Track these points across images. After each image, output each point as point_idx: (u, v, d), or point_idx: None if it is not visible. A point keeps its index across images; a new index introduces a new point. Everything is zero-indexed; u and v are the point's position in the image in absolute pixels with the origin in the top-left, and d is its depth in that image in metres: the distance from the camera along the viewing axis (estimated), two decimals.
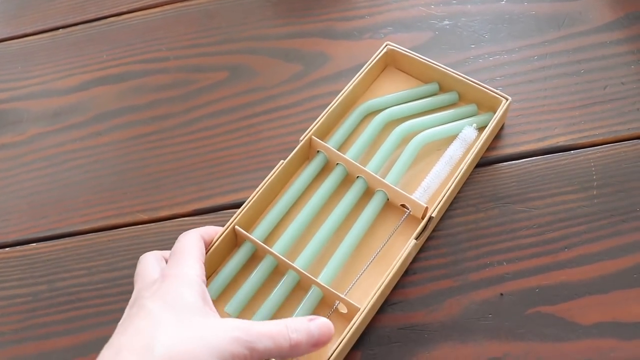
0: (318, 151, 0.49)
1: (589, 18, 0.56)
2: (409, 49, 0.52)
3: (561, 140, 0.50)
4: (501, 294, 0.44)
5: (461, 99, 0.52)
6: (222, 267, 0.45)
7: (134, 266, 0.48)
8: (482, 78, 0.53)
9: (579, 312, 0.43)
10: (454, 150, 0.48)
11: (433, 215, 0.44)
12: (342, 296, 0.42)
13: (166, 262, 0.41)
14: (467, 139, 0.48)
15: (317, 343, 0.37)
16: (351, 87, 0.50)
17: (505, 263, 0.45)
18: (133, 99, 0.58)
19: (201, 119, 0.55)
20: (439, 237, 0.47)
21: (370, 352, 0.43)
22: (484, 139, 0.47)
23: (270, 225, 0.47)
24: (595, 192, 0.47)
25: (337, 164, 0.48)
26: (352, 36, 0.58)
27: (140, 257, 0.41)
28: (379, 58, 0.52)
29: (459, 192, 0.48)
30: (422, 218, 0.45)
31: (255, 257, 0.46)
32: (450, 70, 0.51)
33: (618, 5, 0.56)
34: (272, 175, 0.46)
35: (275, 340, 0.35)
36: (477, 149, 0.47)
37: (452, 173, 0.47)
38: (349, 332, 0.40)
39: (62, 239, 0.51)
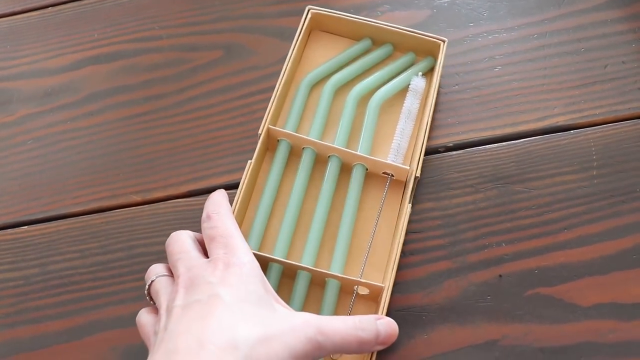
0: (279, 140, 0.47)
1: None
2: (406, 26, 0.51)
3: (561, 120, 0.49)
4: (500, 276, 0.44)
5: (397, 49, 0.52)
6: None
7: (128, 248, 0.48)
8: (481, 57, 0.53)
9: (578, 293, 0.43)
10: (410, 104, 0.48)
11: (418, 175, 0.44)
12: (363, 281, 0.41)
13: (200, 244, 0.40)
14: (418, 89, 0.48)
15: (384, 342, 0.37)
16: (289, 63, 0.48)
17: (504, 244, 0.45)
18: (125, 79, 0.57)
19: (195, 98, 0.54)
20: (437, 218, 0.46)
21: None
22: (436, 85, 0.47)
23: (260, 233, 0.45)
24: (594, 173, 0.47)
25: (304, 148, 0.47)
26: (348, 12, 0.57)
27: (174, 234, 0.40)
28: (306, 25, 0.51)
29: (457, 172, 0.48)
30: (407, 181, 0.45)
31: None
32: (378, 23, 0.50)
33: None
34: (244, 179, 0.44)
35: (345, 339, 0.35)
36: (433, 100, 0.47)
37: (416, 126, 0.47)
38: (382, 310, 0.40)
39: (54, 222, 0.50)
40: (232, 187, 0.49)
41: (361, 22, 0.51)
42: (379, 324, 0.37)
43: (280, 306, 0.36)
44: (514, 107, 0.50)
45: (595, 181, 0.46)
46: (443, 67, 0.50)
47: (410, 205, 0.43)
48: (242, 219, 0.46)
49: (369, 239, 0.44)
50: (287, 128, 0.48)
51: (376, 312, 0.41)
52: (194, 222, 0.48)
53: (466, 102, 0.51)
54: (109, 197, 0.50)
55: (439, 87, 0.51)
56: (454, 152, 0.49)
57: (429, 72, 0.50)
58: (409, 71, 0.50)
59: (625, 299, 0.42)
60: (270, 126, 0.46)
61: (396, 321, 0.41)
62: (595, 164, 0.47)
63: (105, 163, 0.52)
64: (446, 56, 0.52)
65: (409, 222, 0.44)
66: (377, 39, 0.52)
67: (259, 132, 0.46)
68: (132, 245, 0.48)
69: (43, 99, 0.57)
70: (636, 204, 0.45)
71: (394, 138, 0.47)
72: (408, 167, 0.45)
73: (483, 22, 0.55)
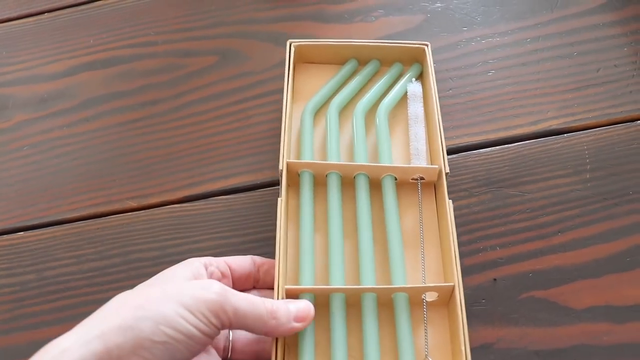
0: (299, 173, 0.45)
1: (582, 0, 0.55)
2: (401, 32, 0.51)
3: (554, 124, 0.49)
4: (494, 279, 0.44)
5: (382, 63, 0.52)
6: (300, 337, 0.38)
7: (123, 254, 0.48)
8: (475, 61, 0.53)
9: (572, 296, 0.43)
10: (414, 108, 0.48)
11: (448, 171, 0.43)
12: (428, 285, 0.40)
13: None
14: (417, 94, 0.49)
15: (297, 316, 0.36)
16: (289, 93, 0.47)
17: (498, 248, 0.45)
18: (121, 85, 0.57)
19: (191, 104, 0.55)
20: None
21: None
22: (435, 86, 0.47)
23: (312, 270, 0.41)
24: (588, 176, 0.47)
25: (328, 174, 0.45)
26: (343, 19, 0.58)
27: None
28: (293, 59, 0.49)
29: (451, 177, 0.48)
30: (438, 179, 0.44)
31: (320, 305, 0.40)
32: (359, 42, 0.50)
33: None
34: (280, 220, 0.41)
35: (252, 299, 0.34)
36: (436, 100, 0.46)
37: (429, 127, 0.47)
38: (461, 309, 0.38)
39: (50, 227, 0.50)
40: (228, 192, 0.49)
41: (343, 45, 0.50)
42: (289, 302, 0.36)
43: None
44: (507, 111, 0.50)
45: (589, 184, 0.47)
46: (435, 70, 0.50)
47: (451, 201, 0.42)
48: (286, 259, 0.42)
49: (419, 247, 0.43)
50: (303, 159, 0.46)
51: (452, 318, 0.39)
52: (189, 228, 0.48)
53: (460, 107, 0.51)
54: (105, 202, 0.51)
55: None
56: (449, 156, 0.49)
57: (419, 78, 0.50)
58: (402, 79, 0.50)
59: (619, 301, 0.43)
60: (288, 160, 0.44)
61: None
62: (588, 167, 0.47)
63: (101, 169, 0.52)
64: (440, 61, 0.53)
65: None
66: (361, 57, 0.52)
67: (280, 168, 0.43)
68: (128, 251, 0.48)
69: (39, 104, 0.57)
70: (629, 207, 0.46)
71: (410, 143, 0.46)
72: (437, 167, 0.44)
73: (476, 26, 0.55)
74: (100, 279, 0.47)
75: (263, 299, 0.35)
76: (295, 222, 0.44)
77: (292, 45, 0.50)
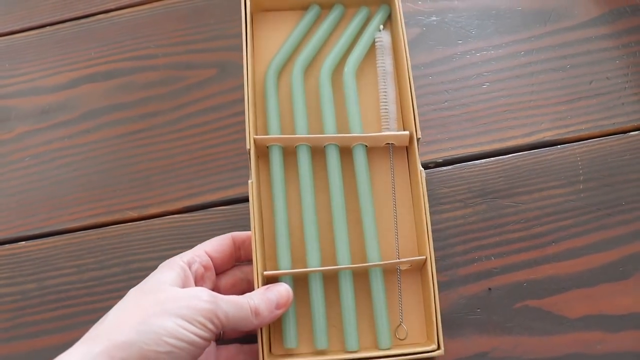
0: (268, 147, 0.44)
1: (575, 13, 0.56)
2: (396, 44, 0.52)
3: (548, 135, 0.50)
4: (489, 289, 0.44)
5: (347, 7, 0.49)
6: (283, 317, 0.41)
7: (124, 264, 0.49)
8: (470, 74, 0.54)
9: (566, 305, 0.43)
10: (383, 62, 0.46)
11: (419, 136, 0.42)
12: (404, 260, 0.41)
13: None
14: (386, 44, 0.46)
15: (278, 304, 0.38)
16: (249, 58, 0.44)
17: (493, 258, 0.45)
18: (122, 97, 0.58)
19: (190, 116, 0.55)
20: None
21: None
22: (404, 33, 0.45)
23: (288, 247, 0.42)
24: (581, 187, 0.48)
25: (297, 146, 0.44)
26: None
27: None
28: (249, 11, 0.46)
29: (447, 188, 0.49)
30: (410, 144, 0.43)
31: (298, 285, 0.42)
32: None
33: (603, 1, 0.56)
34: (252, 201, 0.41)
35: (238, 303, 0.36)
36: (406, 47, 0.44)
37: (400, 84, 0.45)
38: (433, 279, 0.39)
39: (51, 237, 0.51)
40: (227, 203, 0.50)
41: None
42: (268, 291, 0.38)
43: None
44: (502, 123, 0.51)
45: (582, 195, 0.47)
46: (431, 82, 0.50)
47: (423, 169, 0.41)
48: (263, 239, 0.43)
49: (392, 215, 0.43)
50: (271, 131, 0.44)
51: (425, 286, 0.41)
52: (189, 238, 0.49)
53: (455, 119, 0.52)
54: (105, 213, 0.51)
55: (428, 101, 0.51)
56: (444, 168, 0.50)
57: (388, 23, 0.48)
58: (370, 27, 0.47)
59: (613, 310, 0.43)
60: (255, 137, 0.43)
61: None
62: (582, 178, 0.48)
63: (101, 179, 0.53)
64: (435, 73, 0.54)
65: None
66: (323, 1, 0.48)
67: (247, 147, 0.42)
68: (128, 261, 0.49)
69: (40, 116, 0.57)
70: (622, 217, 0.46)
71: (381, 105, 0.45)
72: (407, 133, 0.43)
73: (471, 39, 0.56)
74: (101, 288, 0.48)
75: (247, 297, 0.37)
76: (270, 199, 0.44)
77: None
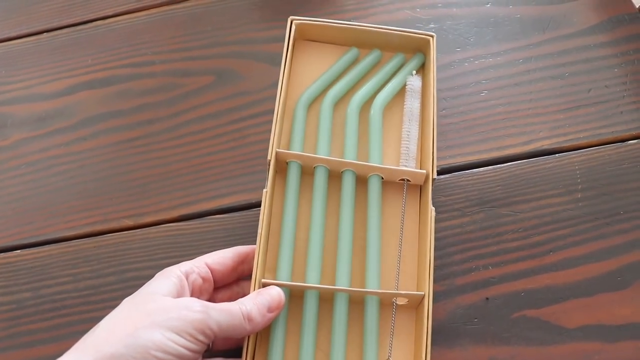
0: (287, 162, 0.45)
1: (573, 21, 0.56)
2: (425, 89, 0.51)
3: (546, 144, 0.50)
4: (487, 298, 0.44)
5: (384, 52, 0.51)
6: (272, 326, 0.40)
7: (119, 272, 0.48)
8: (468, 81, 0.54)
9: (564, 315, 0.43)
10: (411, 104, 0.48)
11: (435, 177, 0.43)
12: (400, 292, 0.41)
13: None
14: (415, 88, 0.48)
15: (270, 307, 0.38)
16: (284, 82, 0.47)
17: (490, 267, 0.45)
18: (119, 104, 0.57)
19: (187, 123, 0.55)
20: None
21: None
22: (434, 80, 0.47)
23: (290, 261, 0.42)
24: (579, 196, 0.48)
25: (315, 167, 0.45)
26: None
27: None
28: (292, 38, 0.49)
29: (444, 196, 0.48)
30: (425, 183, 0.44)
31: (293, 303, 0.42)
32: (362, 25, 0.49)
33: (602, 9, 0.56)
34: (264, 209, 0.42)
35: (230, 311, 0.36)
36: (435, 98, 0.46)
37: (423, 126, 0.47)
38: (428, 317, 0.39)
39: (46, 246, 0.51)
40: (224, 211, 0.50)
41: (345, 27, 0.49)
42: (258, 295, 0.38)
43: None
44: (500, 131, 0.51)
45: (580, 204, 0.47)
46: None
47: (434, 208, 0.42)
48: (267, 248, 0.44)
49: (397, 249, 0.44)
50: (293, 149, 0.46)
51: (418, 323, 0.41)
52: (185, 247, 0.49)
53: (453, 127, 0.52)
54: (101, 221, 0.51)
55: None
56: (442, 177, 0.49)
57: (421, 69, 0.50)
58: (403, 71, 0.49)
59: (611, 320, 0.43)
60: (278, 150, 0.44)
61: None
62: (580, 186, 0.48)
63: (97, 187, 0.53)
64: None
65: None
66: (363, 43, 0.51)
67: (268, 158, 0.43)
68: (124, 270, 0.48)
69: (37, 123, 0.57)
70: (620, 226, 0.46)
71: (402, 143, 0.46)
72: (424, 172, 0.44)
73: (470, 47, 0.56)
74: (96, 297, 0.48)
75: (238, 303, 0.37)
76: (281, 211, 0.45)
77: (293, 23, 0.49)
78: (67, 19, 0.64)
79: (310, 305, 0.41)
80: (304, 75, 0.51)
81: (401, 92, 0.49)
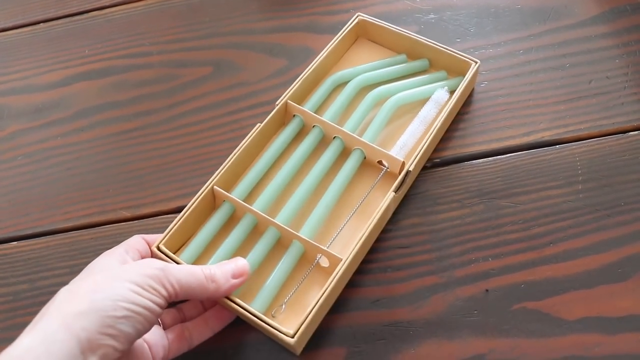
0: (294, 115, 0.50)
1: (575, 12, 0.56)
2: (448, 106, 0.51)
3: (546, 135, 0.50)
4: (486, 290, 0.44)
5: (432, 66, 0.54)
6: (201, 229, 0.45)
7: None
8: None
9: (564, 307, 0.43)
10: (428, 111, 0.49)
11: (410, 169, 0.45)
12: (324, 248, 0.42)
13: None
14: (439, 101, 0.50)
15: (234, 274, 0.39)
16: (324, 55, 0.51)
17: (490, 259, 0.45)
18: (116, 95, 0.57)
19: (185, 114, 0.55)
20: (424, 233, 0.46)
21: (355, 349, 0.42)
22: (455, 99, 0.49)
23: (249, 186, 0.47)
24: (580, 187, 0.47)
25: (314, 126, 0.49)
26: (336, 30, 0.58)
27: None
28: (351, 28, 0.54)
29: (444, 188, 0.48)
30: (400, 173, 0.46)
31: (234, 217, 0.46)
32: (420, 38, 0.52)
33: (603, 0, 0.56)
34: (249, 138, 0.47)
35: (190, 269, 0.37)
36: (449, 109, 0.48)
37: (426, 132, 0.48)
38: (331, 282, 0.40)
39: (43, 237, 0.50)
40: None
41: (401, 34, 0.53)
42: (223, 264, 0.40)
43: None
44: (500, 123, 0.51)
45: (581, 195, 0.47)
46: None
47: (394, 193, 0.44)
48: (238, 175, 0.48)
49: (346, 218, 0.45)
50: (305, 109, 0.50)
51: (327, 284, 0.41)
52: None
53: (452, 118, 0.51)
54: (98, 212, 0.51)
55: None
56: (441, 168, 0.49)
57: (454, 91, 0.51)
58: (435, 84, 0.51)
59: (611, 312, 0.43)
60: (289, 101, 0.49)
61: (383, 336, 0.42)
62: (580, 178, 0.48)
63: (95, 179, 0.52)
64: None
65: (397, 237, 0.45)
66: (414, 53, 0.54)
67: (277, 102, 0.48)
68: None
69: (34, 114, 0.57)
70: (621, 218, 0.46)
71: (402, 135, 0.48)
72: (401, 160, 0.46)
73: (470, 37, 0.55)
74: None
75: (201, 266, 0.38)
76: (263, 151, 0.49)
77: (358, 18, 0.54)
78: (64, 9, 0.64)
79: (243, 226, 0.44)
80: (347, 64, 0.55)
81: (425, 100, 0.51)
